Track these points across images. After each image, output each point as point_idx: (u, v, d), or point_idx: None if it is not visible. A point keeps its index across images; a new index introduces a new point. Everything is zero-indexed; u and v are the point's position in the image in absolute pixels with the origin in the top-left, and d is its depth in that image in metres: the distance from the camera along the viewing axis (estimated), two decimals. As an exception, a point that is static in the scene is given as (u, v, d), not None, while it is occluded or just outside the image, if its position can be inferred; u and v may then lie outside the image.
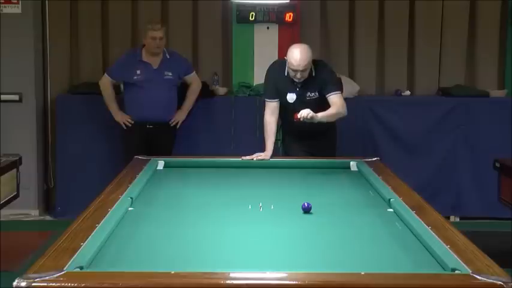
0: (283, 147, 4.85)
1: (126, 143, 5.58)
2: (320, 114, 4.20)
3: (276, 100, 4.58)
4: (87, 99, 6.00)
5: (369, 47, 6.41)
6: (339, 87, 4.55)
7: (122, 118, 5.60)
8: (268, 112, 4.60)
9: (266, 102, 4.64)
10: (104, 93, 5.66)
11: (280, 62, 4.62)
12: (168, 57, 5.61)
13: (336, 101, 4.41)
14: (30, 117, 6.08)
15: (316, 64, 4.50)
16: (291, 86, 4.46)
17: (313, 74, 4.44)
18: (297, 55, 4.32)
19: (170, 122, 5.63)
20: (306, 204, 3.14)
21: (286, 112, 4.55)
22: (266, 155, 4.46)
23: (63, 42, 6.26)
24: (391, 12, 6.38)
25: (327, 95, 4.43)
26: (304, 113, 4.12)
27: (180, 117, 5.69)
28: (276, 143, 4.62)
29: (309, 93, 4.46)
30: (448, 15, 6.41)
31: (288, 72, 4.44)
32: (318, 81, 4.45)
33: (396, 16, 6.41)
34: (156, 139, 5.53)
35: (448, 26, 6.42)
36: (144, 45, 5.57)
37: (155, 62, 5.55)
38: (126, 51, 5.92)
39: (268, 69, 4.76)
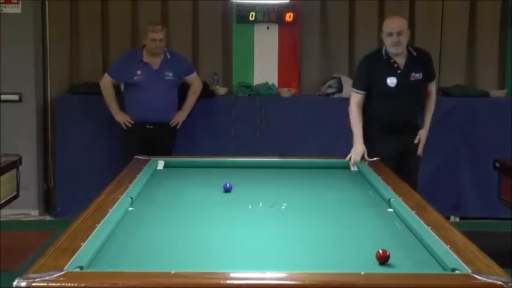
0: (366, 144, 4.57)
1: (126, 143, 5.57)
2: (428, 122, 4.71)
3: (364, 93, 4.57)
4: (87, 99, 6.00)
5: (369, 47, 6.39)
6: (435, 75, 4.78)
7: (122, 118, 5.60)
8: (354, 103, 4.60)
9: (353, 94, 4.65)
10: (104, 93, 5.65)
11: (375, 50, 4.77)
12: (169, 57, 5.61)
13: (432, 90, 4.70)
14: (30, 117, 6.08)
15: (416, 48, 4.64)
16: (391, 69, 4.51)
17: (415, 54, 4.53)
18: (392, 17, 4.58)
19: (170, 123, 5.63)
20: (227, 185, 3.47)
21: (380, 101, 4.56)
22: (358, 149, 4.42)
23: (63, 42, 6.26)
24: (391, 12, 6.37)
25: (429, 83, 4.64)
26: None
27: (180, 117, 5.68)
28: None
29: (413, 74, 4.51)
30: (448, 15, 6.41)
31: (386, 56, 4.51)
32: (421, 62, 4.55)
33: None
34: (156, 139, 5.53)
35: (448, 26, 6.42)
36: (144, 46, 5.57)
37: (156, 62, 5.55)
38: (126, 51, 5.92)
39: (362, 59, 4.78)
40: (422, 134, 4.71)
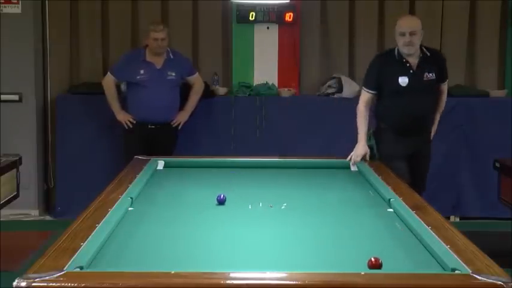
0: (378, 146, 4.56)
1: (127, 142, 5.55)
2: (437, 120, 4.69)
3: (373, 92, 4.52)
4: (87, 99, 6.01)
5: (369, 47, 6.40)
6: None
7: (123, 117, 5.58)
8: (362, 102, 4.54)
9: (362, 92, 4.58)
10: (106, 92, 5.63)
11: (388, 50, 4.66)
12: (172, 57, 5.60)
13: (444, 89, 4.69)
14: (30, 117, 6.08)
15: (429, 48, 4.55)
16: (403, 69, 4.43)
17: (428, 54, 4.47)
18: (405, 17, 4.60)
19: (172, 123, 5.63)
20: (221, 196, 3.25)
21: (392, 101, 4.48)
22: (359, 150, 4.36)
23: (63, 42, 6.26)
24: (391, 12, 6.38)
25: (441, 83, 4.61)
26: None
27: (182, 118, 5.67)
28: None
29: (426, 74, 4.44)
30: (448, 15, 6.41)
31: (398, 56, 4.44)
32: (434, 62, 4.50)
33: (396, 16, 6.38)
34: (157, 139, 5.52)
35: (448, 26, 6.42)
36: (147, 45, 5.55)
37: (158, 62, 5.54)
38: (129, 51, 5.93)
39: (373, 58, 4.71)
40: (431, 132, 4.69)
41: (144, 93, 5.48)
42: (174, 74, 5.57)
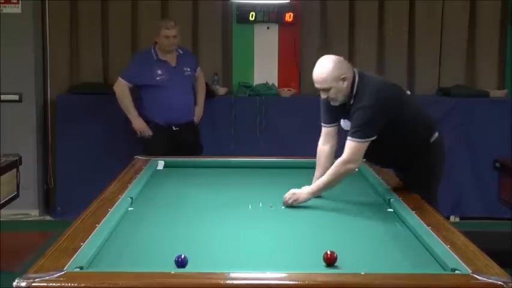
0: None
1: (152, 150, 5.04)
2: (310, 189, 3.34)
3: (330, 125, 3.66)
4: (87, 99, 6.01)
5: (369, 47, 6.41)
6: (362, 131, 3.36)
7: (141, 127, 5.32)
8: (321, 139, 3.73)
9: (322, 127, 3.75)
10: (121, 99, 5.35)
11: None
12: (181, 52, 5.43)
13: (345, 149, 3.38)
14: (30, 117, 6.08)
15: (364, 89, 3.38)
16: (343, 112, 3.53)
17: (351, 102, 3.41)
18: (314, 69, 3.40)
19: (195, 120, 5.50)
20: (182, 256, 2.32)
21: None
22: (300, 194, 3.31)
23: (63, 42, 6.26)
24: (391, 12, 6.39)
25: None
26: (286, 197, 3.27)
27: (199, 113, 5.55)
28: None
29: (346, 120, 3.54)
30: (448, 15, 6.41)
31: None
32: (351, 108, 3.43)
33: (396, 16, 6.41)
34: (182, 141, 5.30)
35: (448, 26, 6.42)
36: (155, 43, 5.37)
37: (172, 59, 5.35)
38: (138, 53, 5.82)
39: None
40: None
41: (166, 94, 5.24)
42: (189, 69, 5.40)
